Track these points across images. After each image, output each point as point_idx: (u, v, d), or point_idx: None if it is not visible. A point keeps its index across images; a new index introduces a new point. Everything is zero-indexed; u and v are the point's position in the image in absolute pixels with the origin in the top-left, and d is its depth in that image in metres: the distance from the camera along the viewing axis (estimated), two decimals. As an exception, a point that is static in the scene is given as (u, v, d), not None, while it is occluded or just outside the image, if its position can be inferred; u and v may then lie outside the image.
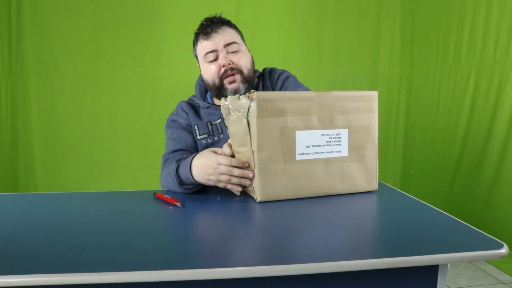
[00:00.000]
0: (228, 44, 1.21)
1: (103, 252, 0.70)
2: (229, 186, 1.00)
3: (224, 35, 1.21)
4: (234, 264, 0.65)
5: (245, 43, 1.29)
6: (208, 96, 1.32)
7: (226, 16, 1.29)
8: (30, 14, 2.95)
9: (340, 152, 0.99)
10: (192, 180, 1.03)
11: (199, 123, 1.25)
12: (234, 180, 0.98)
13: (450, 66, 2.87)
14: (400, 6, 3.24)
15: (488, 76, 2.56)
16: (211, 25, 1.22)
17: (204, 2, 2.95)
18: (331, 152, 0.99)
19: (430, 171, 3.11)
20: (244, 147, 0.97)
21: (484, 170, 2.59)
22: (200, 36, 1.24)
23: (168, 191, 1.12)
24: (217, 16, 1.26)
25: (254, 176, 0.97)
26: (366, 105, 1.03)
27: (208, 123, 1.25)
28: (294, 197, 0.98)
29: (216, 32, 1.21)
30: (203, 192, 1.14)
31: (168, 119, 1.32)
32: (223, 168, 0.97)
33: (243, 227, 0.87)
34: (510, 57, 2.41)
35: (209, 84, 1.25)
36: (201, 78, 1.32)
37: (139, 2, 3.02)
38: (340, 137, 0.99)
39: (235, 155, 1.01)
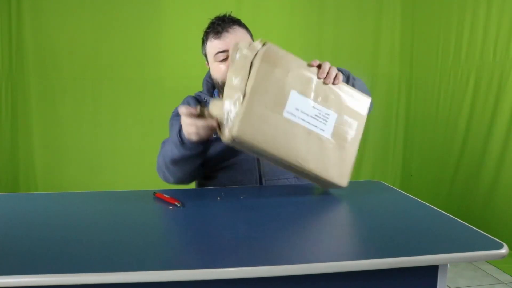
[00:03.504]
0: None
1: (103, 252, 0.70)
2: (203, 136, 1.02)
3: (235, 35, 1.21)
4: (234, 264, 0.65)
5: None
6: (215, 93, 1.32)
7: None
8: (30, 14, 2.95)
9: (323, 131, 0.99)
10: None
11: None
12: (201, 130, 1.00)
13: (450, 66, 2.87)
14: (400, 6, 3.25)
15: (488, 76, 2.56)
16: (222, 24, 1.21)
17: (204, 2, 2.95)
18: (315, 126, 0.99)
19: (430, 171, 3.11)
20: (235, 90, 0.96)
21: (484, 170, 2.59)
22: (211, 35, 1.23)
23: (168, 191, 1.12)
24: (228, 15, 1.25)
25: (219, 124, 0.98)
26: (359, 105, 1.04)
27: None
28: (267, 149, 0.96)
29: (227, 31, 1.20)
30: (203, 192, 1.14)
31: (173, 112, 1.31)
32: (186, 120, 1.00)
33: (243, 227, 0.87)
34: (510, 57, 2.41)
35: (218, 83, 1.25)
36: (208, 75, 1.31)
37: (139, 2, 3.02)
38: (327, 118, 1.00)
39: (226, 91, 1.00)
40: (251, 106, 0.94)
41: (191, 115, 1.00)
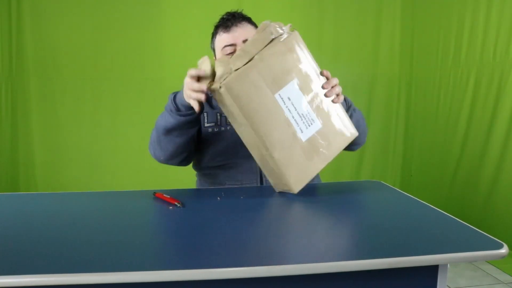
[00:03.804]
0: (247, 40, 1.22)
1: (103, 252, 0.70)
2: (196, 98, 0.99)
3: (244, 31, 1.22)
4: (234, 264, 0.65)
5: None
6: None
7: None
8: (30, 14, 2.95)
9: (302, 132, 0.99)
10: (183, 100, 1.05)
11: (209, 111, 1.26)
12: (194, 95, 0.98)
13: (450, 66, 2.88)
14: (400, 6, 3.25)
15: (488, 76, 2.56)
16: (232, 19, 1.23)
17: (204, 2, 2.95)
18: (297, 124, 0.99)
19: (430, 171, 3.11)
20: (246, 53, 0.97)
21: (484, 170, 2.59)
22: (220, 29, 1.24)
23: (168, 191, 1.12)
24: (238, 11, 1.26)
25: (207, 89, 0.97)
26: (344, 131, 1.05)
27: (218, 114, 1.25)
28: (244, 115, 0.95)
29: (236, 26, 1.22)
30: (203, 192, 1.14)
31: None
32: (186, 81, 1.00)
33: (243, 227, 0.87)
34: (510, 57, 2.41)
35: None
36: None
37: (139, 2, 3.02)
38: (311, 124, 1.00)
39: (237, 52, 1.01)
40: (251, 69, 0.95)
41: (194, 78, 0.99)
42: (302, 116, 0.99)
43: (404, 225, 0.84)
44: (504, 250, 0.70)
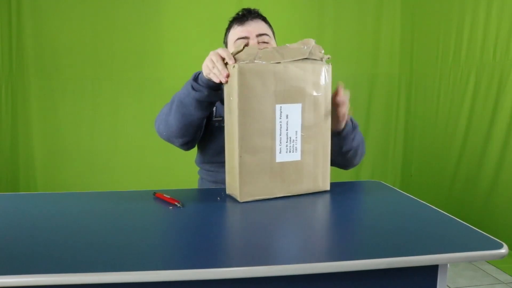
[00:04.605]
0: (261, 35, 1.22)
1: (103, 252, 0.70)
2: (211, 75, 1.01)
3: (259, 26, 1.23)
4: (234, 264, 0.66)
5: (275, 42, 1.30)
6: None
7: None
8: (30, 14, 2.95)
9: (279, 153, 0.99)
10: (203, 77, 1.06)
11: (218, 105, 1.26)
12: (215, 70, 0.99)
13: (450, 66, 2.87)
14: (400, 6, 3.25)
15: (488, 76, 2.56)
16: (247, 15, 1.25)
17: (204, 2, 2.95)
18: (280, 144, 0.98)
19: (430, 171, 3.11)
20: (277, 53, 0.99)
21: (484, 170, 2.59)
22: (235, 23, 1.25)
23: (168, 191, 1.12)
24: (255, 9, 1.28)
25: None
26: (316, 179, 1.05)
27: None
28: (238, 104, 0.94)
29: (251, 20, 1.23)
30: (203, 192, 1.14)
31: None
32: (213, 56, 0.99)
33: (243, 227, 0.87)
34: (510, 57, 2.41)
35: None
36: None
37: (139, 2, 3.02)
38: (292, 152, 1.00)
39: (270, 48, 1.03)
40: (271, 70, 0.95)
41: (221, 58, 0.99)
42: (289, 140, 0.99)
43: (404, 225, 0.84)
44: (504, 250, 0.70)
